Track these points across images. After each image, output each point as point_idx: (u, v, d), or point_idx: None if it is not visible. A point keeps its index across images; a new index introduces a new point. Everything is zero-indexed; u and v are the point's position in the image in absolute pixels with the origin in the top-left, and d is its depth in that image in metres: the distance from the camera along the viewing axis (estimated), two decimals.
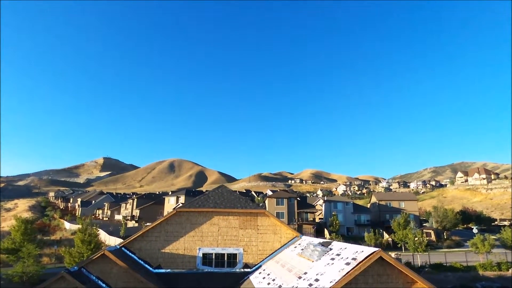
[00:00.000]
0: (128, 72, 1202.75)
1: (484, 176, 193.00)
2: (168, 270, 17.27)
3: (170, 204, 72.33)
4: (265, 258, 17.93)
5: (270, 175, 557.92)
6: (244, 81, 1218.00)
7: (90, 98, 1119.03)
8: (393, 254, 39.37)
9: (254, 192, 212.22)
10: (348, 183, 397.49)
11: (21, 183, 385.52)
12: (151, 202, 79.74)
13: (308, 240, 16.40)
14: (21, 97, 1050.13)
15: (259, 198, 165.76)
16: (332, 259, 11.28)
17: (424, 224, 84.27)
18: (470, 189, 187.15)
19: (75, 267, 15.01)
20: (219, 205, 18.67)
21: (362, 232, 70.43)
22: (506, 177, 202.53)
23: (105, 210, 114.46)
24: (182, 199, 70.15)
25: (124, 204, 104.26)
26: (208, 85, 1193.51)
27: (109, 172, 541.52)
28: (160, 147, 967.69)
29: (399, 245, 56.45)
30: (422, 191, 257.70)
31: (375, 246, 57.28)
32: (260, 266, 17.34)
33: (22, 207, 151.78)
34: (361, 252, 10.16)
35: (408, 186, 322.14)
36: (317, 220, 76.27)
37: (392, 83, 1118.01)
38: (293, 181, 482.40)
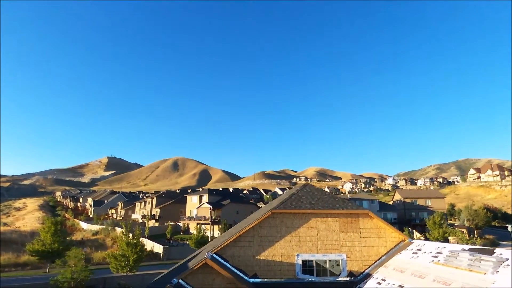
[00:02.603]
0: (131, 71, 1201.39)
1: (497, 172, 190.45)
2: (266, 280, 15.19)
3: (192, 203, 70.42)
4: (371, 265, 15.85)
5: (274, 172, 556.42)
6: (247, 79, 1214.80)
7: (93, 97, 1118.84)
8: None
9: (263, 190, 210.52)
10: (354, 180, 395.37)
11: (26, 182, 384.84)
12: (171, 201, 77.79)
13: (433, 245, 14.31)
14: (26, 97, 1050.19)
15: (268, 196, 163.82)
16: None
17: (450, 222, 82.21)
18: (483, 186, 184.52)
19: (175, 280, 12.95)
20: (315, 205, 16.57)
21: None
22: None
23: (119, 210, 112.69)
24: (205, 198, 68.18)
25: (139, 203, 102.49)
26: (210, 83, 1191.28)
27: (114, 171, 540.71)
28: (163, 146, 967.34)
29: None
30: (431, 188, 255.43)
31: None
32: (370, 274, 15.24)
33: (31, 207, 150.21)
34: None
35: (415, 183, 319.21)
36: None
37: (394, 80, 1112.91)
38: (297, 179, 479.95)
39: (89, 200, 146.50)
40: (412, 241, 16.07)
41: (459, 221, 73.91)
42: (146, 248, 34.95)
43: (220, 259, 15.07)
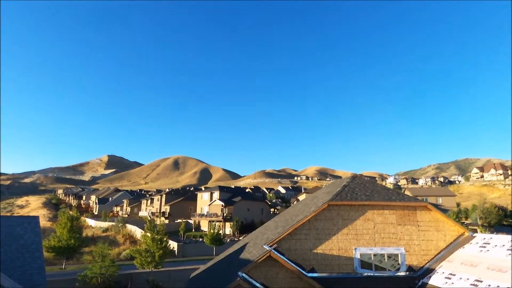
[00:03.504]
0: (131, 69, 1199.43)
1: (501, 171, 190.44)
2: (324, 275, 14.56)
3: (203, 200, 69.74)
4: (431, 260, 15.22)
5: (274, 171, 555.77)
6: (245, 78, 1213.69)
7: (93, 96, 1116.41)
8: None
9: (265, 188, 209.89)
10: None
11: (27, 180, 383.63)
12: (181, 198, 77.07)
13: (504, 238, 13.67)
14: (25, 95, 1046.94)
15: (270, 195, 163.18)
16: None
17: (461, 221, 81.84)
18: (486, 185, 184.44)
19: (240, 273, 12.28)
20: (371, 197, 15.93)
21: None
22: None
23: (124, 207, 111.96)
24: (216, 195, 67.45)
25: (145, 201, 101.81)
26: (211, 82, 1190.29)
27: (114, 170, 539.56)
28: (164, 145, 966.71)
29: None
30: (433, 187, 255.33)
31: None
32: (433, 269, 14.60)
33: (35, 204, 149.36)
34: None
35: (417, 183, 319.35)
36: None
37: (393, 79, 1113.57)
38: (298, 178, 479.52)
39: (93, 198, 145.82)
40: (474, 235, 15.45)
41: (471, 219, 73.41)
42: (170, 245, 34.22)
43: (276, 253, 14.42)
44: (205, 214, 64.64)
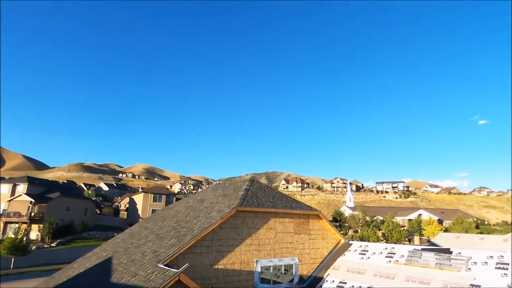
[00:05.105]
0: None
1: (299, 184, 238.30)
2: None
3: (1, 193, 51.41)
4: (317, 268, 15.45)
5: (95, 166, 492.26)
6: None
7: None
8: None
9: (83, 184, 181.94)
10: (183, 181, 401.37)
11: None
12: None
13: (379, 246, 15.28)
14: None
15: (90, 192, 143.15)
16: (501, 268, 10.91)
17: None
18: (289, 195, 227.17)
19: None
20: (275, 204, 14.76)
21: None
22: (312, 186, 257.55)
23: None
24: (22, 187, 51.32)
25: None
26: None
27: None
28: None
29: None
30: None
31: None
32: (321, 278, 14.71)
33: None
34: None
35: None
36: None
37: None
38: (124, 175, 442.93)
39: None
40: (350, 242, 16.80)
41: None
42: None
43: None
44: (1, 213, 47.89)
